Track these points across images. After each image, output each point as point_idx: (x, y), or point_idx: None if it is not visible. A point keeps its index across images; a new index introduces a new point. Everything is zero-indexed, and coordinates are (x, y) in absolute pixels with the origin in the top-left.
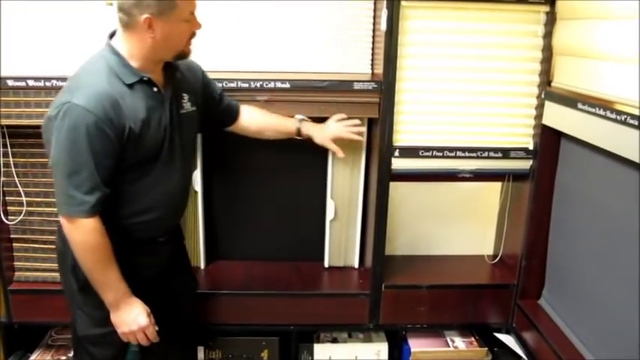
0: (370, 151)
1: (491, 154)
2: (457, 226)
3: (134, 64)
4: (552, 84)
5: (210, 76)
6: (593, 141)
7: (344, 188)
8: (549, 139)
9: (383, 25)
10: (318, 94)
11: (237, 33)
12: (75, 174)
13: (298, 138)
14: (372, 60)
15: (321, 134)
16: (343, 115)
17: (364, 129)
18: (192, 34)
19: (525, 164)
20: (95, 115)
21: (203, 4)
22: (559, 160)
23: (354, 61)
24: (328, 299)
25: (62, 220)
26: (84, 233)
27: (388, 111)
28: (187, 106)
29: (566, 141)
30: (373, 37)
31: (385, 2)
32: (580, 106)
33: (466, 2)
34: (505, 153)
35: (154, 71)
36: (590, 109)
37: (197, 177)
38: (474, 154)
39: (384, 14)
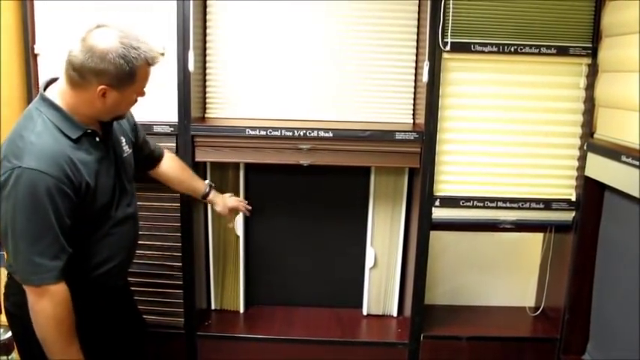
0: (411, 200)
1: (533, 205)
2: (498, 276)
3: (76, 118)
4: (595, 136)
5: (256, 124)
6: (638, 194)
7: (384, 236)
8: (592, 191)
9: (425, 77)
10: (360, 144)
11: (282, 82)
12: (38, 241)
13: (201, 200)
14: (414, 110)
15: (223, 204)
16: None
17: None
18: (136, 101)
19: (568, 216)
20: (53, 177)
21: (247, 52)
22: (603, 212)
23: (395, 111)
24: (366, 348)
25: (30, 291)
26: (54, 305)
27: (429, 161)
28: (126, 149)
29: (610, 193)
30: (415, 87)
31: (427, 54)
32: (624, 158)
33: (507, 55)
34: (547, 204)
35: (94, 125)
36: (635, 162)
37: (239, 222)
38: (516, 205)
39: (425, 66)
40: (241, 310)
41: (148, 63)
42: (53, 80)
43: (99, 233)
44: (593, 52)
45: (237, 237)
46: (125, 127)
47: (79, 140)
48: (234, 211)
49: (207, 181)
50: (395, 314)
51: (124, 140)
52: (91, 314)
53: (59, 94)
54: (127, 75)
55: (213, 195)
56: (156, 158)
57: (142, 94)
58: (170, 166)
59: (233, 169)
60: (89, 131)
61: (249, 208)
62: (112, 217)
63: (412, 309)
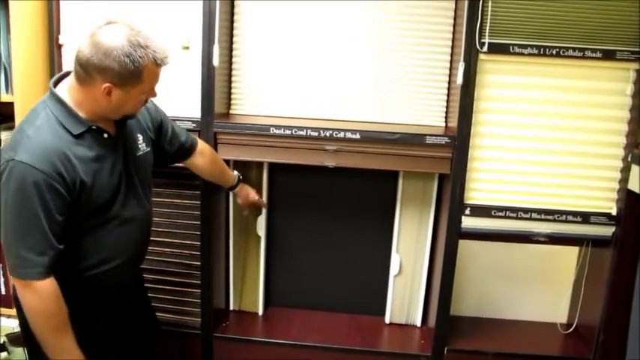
0: (440, 207)
1: (570, 217)
2: (529, 289)
3: (82, 114)
4: None
5: (281, 122)
6: None
7: (410, 243)
8: (635, 205)
9: (459, 78)
10: (388, 147)
11: (310, 80)
12: (26, 236)
13: (228, 189)
14: (447, 113)
15: (245, 198)
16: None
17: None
18: (146, 101)
19: (607, 230)
20: (43, 172)
21: (274, 48)
22: None
23: (427, 113)
24: (386, 358)
25: (16, 283)
26: (41, 299)
27: (461, 167)
28: (142, 146)
29: None
30: (448, 89)
31: (462, 55)
32: None
33: (549, 57)
34: (585, 217)
35: (104, 121)
36: None
37: (261, 222)
38: (551, 217)
39: (460, 67)
40: (260, 312)
41: (157, 63)
42: (65, 75)
43: (102, 231)
44: None
45: (259, 237)
46: (145, 124)
47: (82, 136)
48: (253, 205)
49: (235, 173)
50: (419, 324)
51: (140, 138)
52: (95, 311)
53: (68, 89)
54: (131, 74)
55: (239, 188)
56: (188, 150)
57: (152, 94)
58: (203, 159)
59: (257, 167)
60: (94, 128)
61: (265, 204)
62: (115, 216)
63: (437, 319)
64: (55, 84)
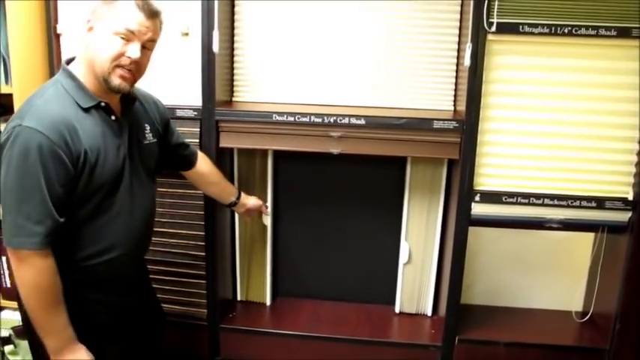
0: (449, 193)
1: (584, 203)
2: (542, 276)
3: (90, 88)
4: None
5: (284, 109)
6: None
7: (419, 230)
8: None
9: (467, 61)
10: (394, 132)
11: (314, 65)
12: (25, 202)
13: (227, 205)
14: (455, 97)
15: (244, 208)
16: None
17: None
18: (119, 56)
19: (623, 216)
20: (48, 138)
21: (277, 33)
22: None
23: (434, 97)
24: (396, 348)
25: (10, 255)
26: (35, 272)
27: (470, 152)
28: (149, 136)
29: None
30: (456, 72)
31: (470, 36)
32: None
33: (560, 37)
34: (600, 203)
35: (111, 100)
36: None
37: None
38: (564, 203)
39: (468, 49)
40: (267, 303)
41: (137, 6)
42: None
43: (103, 218)
44: None
45: (265, 227)
46: (153, 115)
47: (90, 111)
48: (254, 212)
49: (235, 190)
50: (429, 313)
51: (148, 127)
52: (95, 304)
53: (77, 65)
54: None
55: (244, 197)
56: (191, 154)
57: (131, 49)
58: (206, 164)
59: (261, 156)
60: (103, 104)
61: (267, 207)
62: (118, 202)
63: (447, 309)
64: (66, 64)
